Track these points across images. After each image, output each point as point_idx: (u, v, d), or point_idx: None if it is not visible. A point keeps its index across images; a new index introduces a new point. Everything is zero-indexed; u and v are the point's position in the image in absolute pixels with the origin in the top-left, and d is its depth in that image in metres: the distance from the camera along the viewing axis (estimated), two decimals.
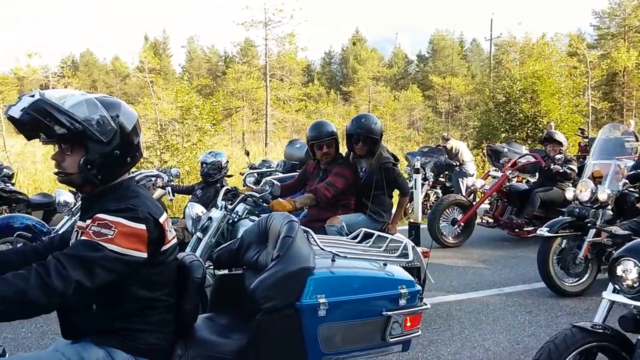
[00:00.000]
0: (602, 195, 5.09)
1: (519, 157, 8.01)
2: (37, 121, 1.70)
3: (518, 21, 36.27)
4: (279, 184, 4.35)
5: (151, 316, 1.84)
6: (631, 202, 5.16)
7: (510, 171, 7.60)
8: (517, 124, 18.85)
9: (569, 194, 5.61)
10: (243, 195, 4.30)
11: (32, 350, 4.00)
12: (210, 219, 4.19)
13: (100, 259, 1.65)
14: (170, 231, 1.90)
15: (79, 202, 5.17)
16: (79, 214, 5.39)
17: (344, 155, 4.59)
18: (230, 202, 4.30)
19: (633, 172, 5.33)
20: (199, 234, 4.11)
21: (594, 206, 5.16)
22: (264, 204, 4.24)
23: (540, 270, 5.19)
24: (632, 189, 5.30)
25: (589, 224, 5.03)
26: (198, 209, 4.24)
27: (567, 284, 5.25)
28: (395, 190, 4.63)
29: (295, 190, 4.66)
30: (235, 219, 4.27)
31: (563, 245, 5.22)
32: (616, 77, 37.14)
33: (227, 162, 6.15)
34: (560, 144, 7.25)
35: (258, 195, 4.26)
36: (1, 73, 27.03)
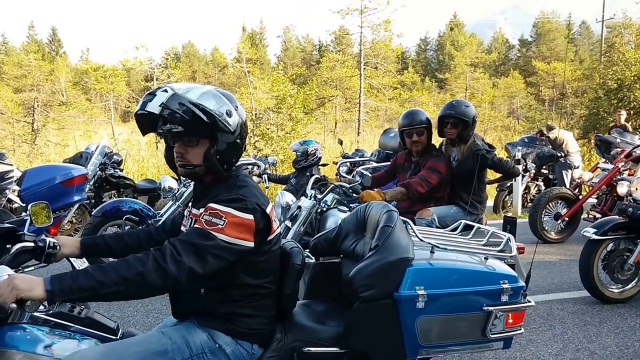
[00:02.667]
0: None
1: (634, 148, 7.37)
2: (175, 114, 1.79)
3: (635, 0, 33.35)
4: (369, 174, 4.30)
5: (254, 302, 1.91)
6: None
7: (622, 163, 7.03)
8: (630, 112, 17.50)
9: (622, 189, 5.01)
10: (332, 185, 4.30)
11: (138, 327, 4.21)
12: (299, 207, 4.22)
13: (212, 247, 1.74)
14: (275, 221, 1.96)
15: (182, 188, 5.43)
16: (182, 199, 5.63)
17: (437, 146, 4.46)
18: (319, 191, 4.31)
19: None
20: (288, 222, 4.16)
21: None
22: (354, 195, 4.21)
23: (583, 274, 4.74)
24: None
25: None
26: (288, 198, 4.30)
27: (611, 291, 4.76)
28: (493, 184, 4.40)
29: (384, 182, 4.60)
30: (324, 209, 4.29)
31: (610, 248, 4.72)
32: None
33: (317, 149, 6.16)
34: None
35: (348, 185, 4.23)
36: (111, 65, 28.95)
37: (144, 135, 1.99)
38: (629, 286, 4.81)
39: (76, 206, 6.36)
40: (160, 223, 2.34)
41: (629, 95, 17.72)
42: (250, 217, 1.81)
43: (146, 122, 1.90)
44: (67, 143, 18.75)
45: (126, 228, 5.23)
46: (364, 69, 27.02)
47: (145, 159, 13.92)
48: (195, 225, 1.80)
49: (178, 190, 5.48)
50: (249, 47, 27.91)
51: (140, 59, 25.15)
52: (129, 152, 14.51)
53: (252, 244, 1.82)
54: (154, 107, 1.79)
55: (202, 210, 1.83)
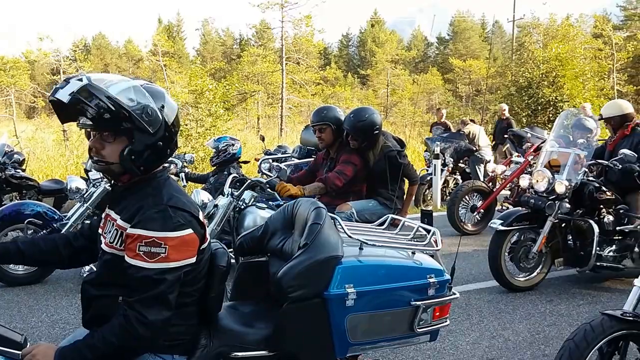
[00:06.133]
0: (560, 188, 4.74)
1: (542, 142, 7.71)
2: (85, 106, 1.67)
3: (542, 1, 35.45)
4: (285, 168, 4.27)
5: (178, 309, 1.80)
6: (590, 192, 4.87)
7: (532, 157, 7.35)
8: (539, 108, 18.49)
9: (524, 182, 5.28)
10: (250, 181, 4.22)
11: (43, 339, 3.95)
12: (216, 206, 4.13)
13: (167, 286, 1.69)
14: (207, 227, 1.90)
15: (91, 189, 5.11)
16: (91, 200, 5.31)
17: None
18: (237, 189, 4.21)
19: (593, 161, 5.07)
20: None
21: (551, 197, 4.81)
22: (270, 190, 4.14)
23: (491, 265, 4.91)
24: (591, 179, 5.01)
25: (547, 215, 4.76)
26: (204, 196, 4.22)
27: (518, 280, 4.99)
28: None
29: (306, 182, 4.56)
30: (242, 206, 4.23)
31: (515, 239, 4.95)
32: None
33: (233, 145, 6.00)
34: (590, 130, 6.92)
35: (264, 181, 4.15)
36: (12, 57, 26.91)
37: (62, 123, 1.85)
38: (534, 274, 5.03)
39: None
40: (79, 228, 2.14)
41: (537, 92, 18.66)
42: (189, 231, 1.73)
43: (62, 111, 1.77)
44: None
45: (29, 232, 4.91)
46: (286, 64, 26.98)
47: (51, 158, 13.10)
48: (134, 261, 1.69)
49: (86, 191, 5.17)
50: (166, 40, 27.08)
51: (45, 50, 23.69)
52: (34, 151, 13.61)
53: (195, 258, 1.76)
54: (63, 95, 1.67)
55: (130, 229, 1.71)
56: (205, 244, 1.85)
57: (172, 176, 6.70)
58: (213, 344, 1.89)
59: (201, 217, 1.83)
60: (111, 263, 1.78)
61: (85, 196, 5.15)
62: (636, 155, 4.85)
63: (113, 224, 1.81)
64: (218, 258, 1.94)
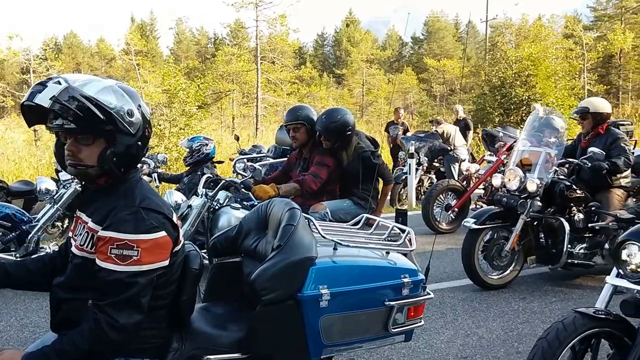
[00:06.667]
0: (532, 186, 4.80)
1: (514, 142, 7.81)
2: (66, 110, 1.62)
3: (514, 2, 36.07)
4: (260, 168, 4.24)
5: (150, 312, 1.77)
6: (560, 190, 4.95)
7: (505, 155, 7.42)
8: (511, 107, 18.72)
9: (496, 181, 5.36)
10: (224, 182, 4.18)
11: (12, 343, 3.87)
12: (189, 206, 4.09)
13: (138, 289, 1.66)
14: (181, 229, 1.86)
15: (61, 190, 5.01)
16: (61, 201, 5.21)
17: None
18: (211, 189, 4.17)
19: (563, 160, 5.16)
20: (177, 222, 3.97)
21: (523, 196, 4.85)
22: (244, 190, 4.11)
23: (465, 263, 4.92)
24: (562, 177, 5.10)
25: (519, 213, 4.81)
26: (177, 197, 4.17)
27: (491, 278, 5.04)
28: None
29: (280, 183, 4.54)
30: (216, 207, 4.18)
31: (488, 237, 5.00)
32: (612, 59, 37.08)
33: (206, 145, 5.94)
34: (557, 130, 7.03)
35: (239, 181, 4.12)
36: None
37: (29, 127, 1.83)
38: (507, 272, 5.08)
39: None
40: (61, 244, 2.09)
41: (510, 91, 18.89)
42: (162, 233, 1.71)
43: (34, 114, 1.72)
44: None
45: None
46: (261, 63, 26.88)
47: (23, 158, 12.82)
48: (106, 265, 1.65)
49: (57, 192, 5.06)
50: (139, 39, 26.72)
51: (15, 49, 23.16)
52: (4, 152, 13.29)
53: (167, 261, 1.73)
54: (43, 99, 1.62)
55: (102, 232, 1.68)
56: (179, 247, 1.83)
57: (145, 177, 6.61)
58: (185, 347, 1.87)
59: (175, 219, 1.81)
60: (81, 266, 1.74)
61: (55, 197, 5.04)
62: (604, 153, 4.94)
63: (84, 226, 1.77)
64: (190, 261, 1.91)
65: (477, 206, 7.65)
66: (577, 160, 5.06)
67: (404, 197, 9.27)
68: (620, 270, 2.49)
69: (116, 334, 1.63)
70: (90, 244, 1.72)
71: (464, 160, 9.41)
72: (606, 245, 4.98)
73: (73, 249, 1.79)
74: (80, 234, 1.78)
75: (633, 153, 5.38)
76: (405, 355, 3.65)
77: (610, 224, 3.23)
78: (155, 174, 6.37)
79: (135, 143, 1.75)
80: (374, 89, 40.34)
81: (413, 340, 3.78)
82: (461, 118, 12.19)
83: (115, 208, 1.69)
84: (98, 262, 1.68)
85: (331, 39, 62.25)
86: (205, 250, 4.03)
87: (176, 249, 1.80)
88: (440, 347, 3.76)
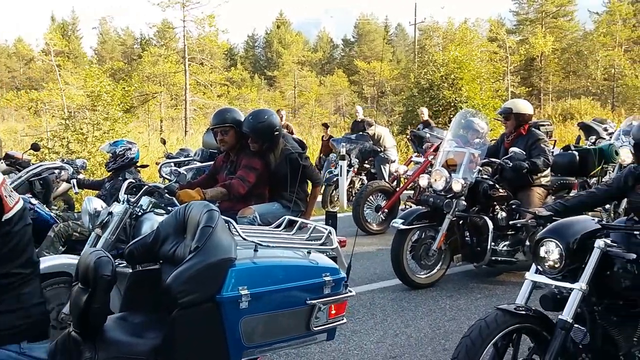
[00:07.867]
0: (457, 186, 4.95)
1: (441, 142, 7.98)
2: None
3: (441, 5, 37.25)
4: (185, 172, 4.08)
5: (5, 294, 1.66)
6: (484, 190, 5.13)
7: (432, 156, 7.56)
8: (440, 109, 19.24)
9: (423, 181, 5.50)
10: (147, 187, 3.99)
11: None
12: (110, 213, 3.88)
13: None
14: (9, 196, 1.71)
15: None
16: None
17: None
18: (133, 195, 3.98)
19: (486, 160, 5.34)
20: (98, 230, 3.81)
21: (448, 196, 4.97)
22: (168, 195, 3.95)
23: (394, 263, 4.98)
24: (485, 177, 5.29)
25: (445, 213, 4.94)
26: (96, 204, 3.95)
27: (419, 277, 5.10)
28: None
29: (207, 186, 4.42)
30: (139, 213, 4.00)
31: (416, 237, 5.10)
32: (534, 62, 38.82)
33: (130, 150, 5.69)
34: (478, 132, 7.23)
35: (162, 186, 3.95)
36: None
37: None
38: (434, 271, 5.18)
39: None
40: None
41: (438, 93, 19.42)
42: None
43: None
44: None
45: None
46: (190, 64, 26.31)
47: None
48: None
49: None
50: (59, 39, 25.50)
51: None
52: None
53: None
54: None
55: None
56: (10, 214, 1.69)
57: (64, 183, 6.26)
58: (99, 356, 1.80)
59: None
60: None
61: None
62: (524, 153, 5.12)
63: None
64: (102, 267, 1.83)
65: (407, 207, 7.73)
66: (499, 160, 5.22)
67: (336, 199, 9.30)
68: (539, 267, 2.57)
69: None
70: None
71: (394, 162, 9.55)
72: (527, 242, 5.16)
73: None
74: None
75: (552, 153, 5.61)
76: (335, 357, 3.64)
77: (529, 221, 3.33)
78: (74, 180, 6.04)
79: None
80: (305, 91, 40.43)
81: (343, 342, 3.82)
82: (425, 120, 12.32)
83: None
84: None
85: (262, 41, 61.93)
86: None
87: (5, 217, 1.68)
88: (370, 348, 3.78)
